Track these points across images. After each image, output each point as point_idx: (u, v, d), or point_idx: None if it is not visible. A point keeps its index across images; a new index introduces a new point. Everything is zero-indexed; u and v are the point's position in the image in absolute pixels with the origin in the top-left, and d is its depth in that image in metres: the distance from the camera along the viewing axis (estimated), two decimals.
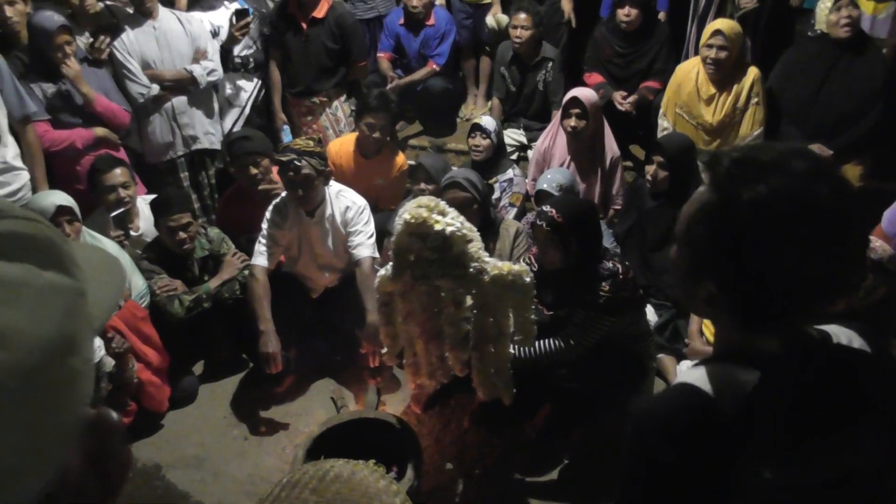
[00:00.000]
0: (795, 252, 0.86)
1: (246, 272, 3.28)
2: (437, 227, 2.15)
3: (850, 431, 0.92)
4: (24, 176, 3.25)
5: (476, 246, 2.22)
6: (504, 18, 4.67)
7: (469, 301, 2.32)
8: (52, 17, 3.48)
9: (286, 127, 4.42)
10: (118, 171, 3.32)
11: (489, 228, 3.19)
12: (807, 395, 0.90)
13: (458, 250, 2.19)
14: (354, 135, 3.97)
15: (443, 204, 2.26)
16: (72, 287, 0.53)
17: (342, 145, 3.98)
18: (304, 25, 4.24)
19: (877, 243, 2.15)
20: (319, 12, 4.22)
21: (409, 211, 2.21)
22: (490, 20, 4.72)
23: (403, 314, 2.43)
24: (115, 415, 0.58)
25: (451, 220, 2.18)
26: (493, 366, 2.41)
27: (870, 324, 2.01)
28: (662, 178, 3.26)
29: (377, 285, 2.45)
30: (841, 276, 0.89)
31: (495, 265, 2.22)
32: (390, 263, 2.34)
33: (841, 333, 0.99)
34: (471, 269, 2.20)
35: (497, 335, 2.34)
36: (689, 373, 0.98)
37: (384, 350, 2.63)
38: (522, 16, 4.24)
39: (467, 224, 2.24)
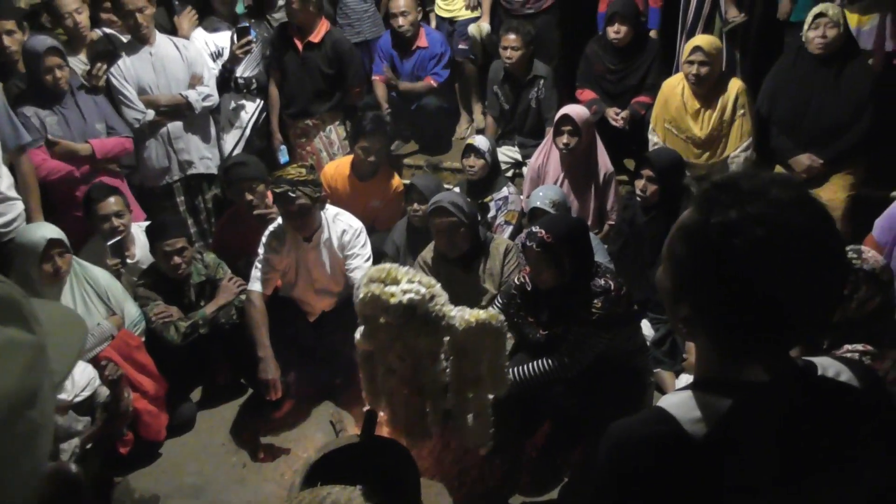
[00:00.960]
0: (767, 279, 0.85)
1: (242, 297, 3.28)
2: (393, 300, 2.10)
3: (826, 469, 0.90)
4: (19, 206, 3.28)
5: (440, 301, 2.18)
6: (486, 28, 4.67)
7: (447, 351, 2.29)
8: (44, 40, 3.53)
9: (283, 147, 4.44)
10: (112, 199, 3.34)
11: (479, 248, 3.19)
12: (781, 428, 0.89)
13: (423, 311, 2.15)
14: (350, 158, 3.99)
15: (395, 270, 2.19)
16: (32, 342, 0.54)
17: (337, 168, 4.01)
18: (301, 49, 4.28)
19: (868, 254, 2.15)
20: (315, 36, 4.25)
21: (361, 289, 2.17)
22: (472, 29, 4.72)
23: (383, 370, 2.42)
24: (74, 468, 0.58)
25: (406, 286, 2.12)
26: (471, 412, 2.38)
27: (864, 334, 2.02)
28: (652, 192, 3.28)
29: (356, 342, 2.44)
30: (815, 307, 0.88)
31: (462, 318, 2.18)
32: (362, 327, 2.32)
33: (829, 366, 0.97)
34: (441, 325, 2.18)
35: (474, 380, 2.32)
36: (668, 397, 0.98)
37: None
38: (512, 36, 4.26)
39: (425, 280, 2.19)
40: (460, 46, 4.80)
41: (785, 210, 0.86)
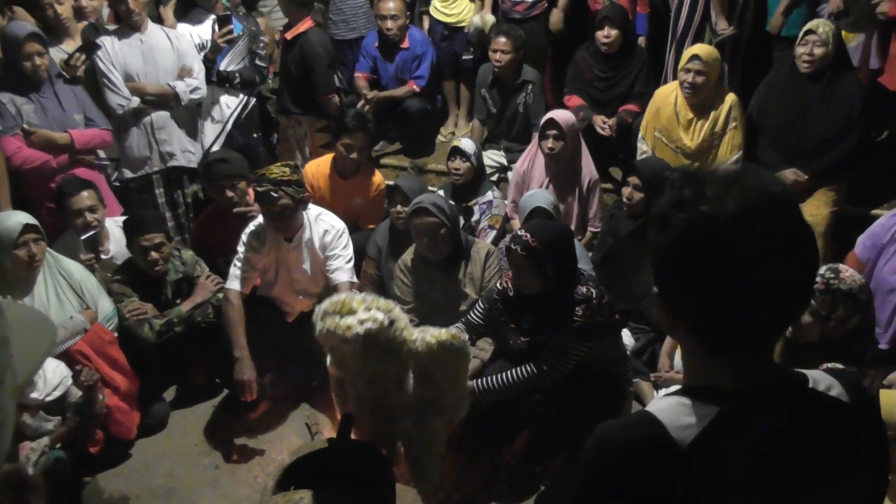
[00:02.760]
0: (729, 262, 0.85)
1: (220, 295, 3.23)
2: (350, 333, 2.07)
3: (810, 481, 0.89)
4: None
5: (400, 325, 2.16)
6: (490, 19, 4.64)
7: (410, 375, 2.27)
8: (25, 26, 3.46)
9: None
10: (85, 193, 3.27)
11: (461, 252, 3.17)
12: (766, 438, 0.89)
13: (384, 339, 2.13)
14: (331, 156, 3.95)
15: (350, 300, 2.16)
16: None
17: (319, 167, 3.96)
18: (280, 46, 4.24)
19: (846, 273, 2.15)
20: (290, 34, 4.21)
21: (317, 323, 2.15)
22: (476, 20, 4.70)
23: (353, 395, 2.39)
24: (31, 469, 0.55)
25: (363, 316, 2.09)
26: (424, 439, 2.35)
27: (844, 353, 2.02)
28: (639, 200, 3.28)
29: (328, 368, 2.39)
30: (781, 296, 0.88)
31: (424, 340, 2.16)
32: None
33: (821, 380, 0.97)
34: (405, 349, 2.15)
35: (433, 402, 2.29)
36: (657, 401, 0.97)
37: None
38: (502, 39, 4.24)
39: (383, 304, 2.16)
40: (464, 57, 4.79)
41: (748, 193, 0.85)
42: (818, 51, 3.47)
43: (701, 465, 0.88)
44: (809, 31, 3.50)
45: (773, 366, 0.96)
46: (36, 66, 3.43)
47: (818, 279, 2.10)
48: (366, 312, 2.11)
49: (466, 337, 2.25)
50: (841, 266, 2.23)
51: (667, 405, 0.94)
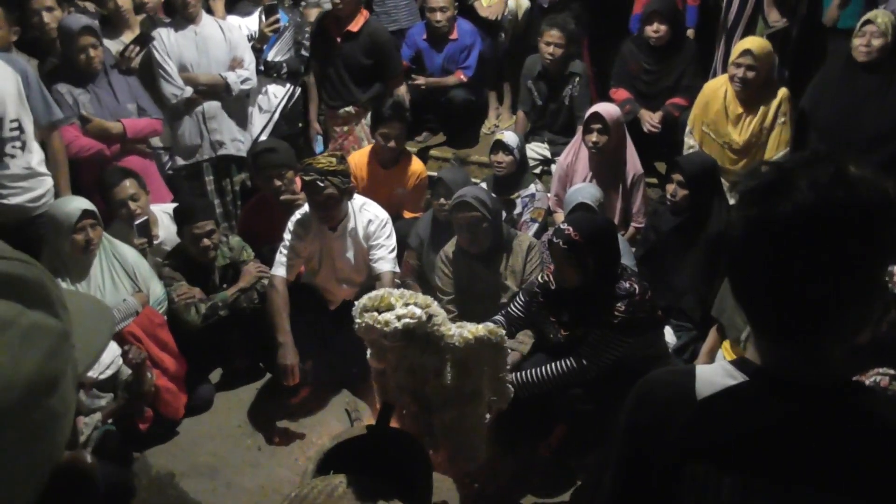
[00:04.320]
0: (830, 259, 0.86)
1: (264, 281, 3.30)
2: (388, 328, 2.11)
3: (815, 478, 0.89)
4: (48, 182, 3.32)
5: (438, 321, 2.18)
6: (525, 3, 4.61)
7: (449, 367, 2.29)
8: (79, 19, 3.57)
9: (319, 137, 4.46)
10: (127, 182, 3.37)
11: (502, 245, 3.17)
12: (760, 418, 0.93)
13: (422, 333, 2.15)
14: (371, 146, 3.99)
15: (388, 296, 2.19)
16: (57, 328, 0.54)
17: (361, 157, 4.01)
18: (339, 39, 4.28)
19: None
20: (354, 26, 4.25)
21: (356, 319, 2.19)
22: (511, 3, 4.67)
23: (393, 385, 2.43)
24: (89, 459, 0.58)
25: (401, 311, 2.12)
26: (468, 427, 2.37)
27: (894, 357, 1.96)
28: (682, 197, 3.23)
29: (368, 359, 2.44)
30: (876, 289, 0.89)
31: (461, 335, 2.18)
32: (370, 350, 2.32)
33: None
34: (442, 344, 2.17)
35: (473, 394, 2.31)
36: (708, 366, 1.02)
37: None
38: (555, 32, 4.19)
39: (421, 300, 2.20)
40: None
41: (832, 188, 0.85)
42: (876, 41, 3.37)
43: (703, 419, 0.95)
44: (868, 22, 3.40)
45: (825, 364, 0.93)
46: (90, 59, 3.55)
47: None
48: (404, 308, 2.15)
49: (504, 332, 2.26)
50: (895, 269, 2.17)
51: (712, 366, 1.01)
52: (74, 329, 0.56)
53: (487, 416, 2.42)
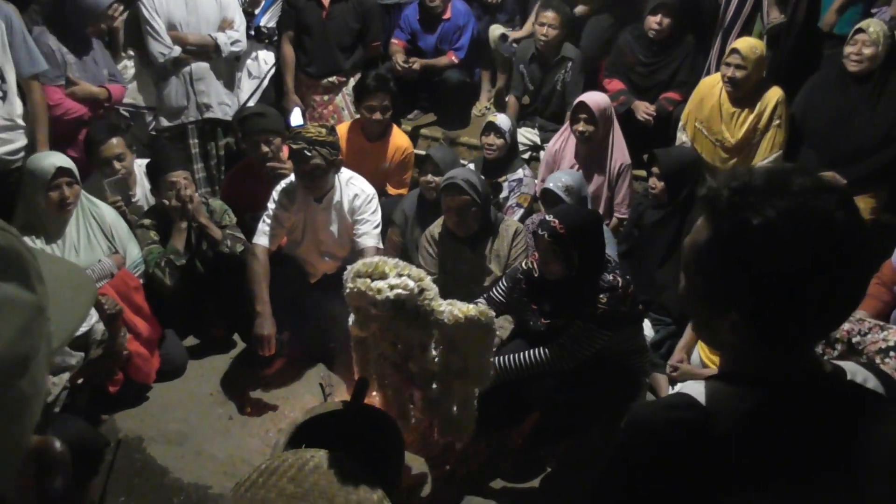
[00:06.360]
0: (810, 268, 0.86)
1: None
2: (380, 296, 2.08)
3: (843, 474, 0.90)
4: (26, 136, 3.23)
5: (429, 295, 2.16)
6: None
7: (434, 341, 2.28)
8: None
9: (297, 109, 4.37)
10: (114, 141, 3.29)
11: (488, 228, 3.16)
12: (803, 427, 0.90)
13: (412, 305, 2.13)
14: (357, 119, 3.93)
15: (383, 264, 2.16)
16: (31, 302, 0.50)
17: (343, 129, 3.94)
18: (327, 3, 4.19)
19: None
20: None
21: (347, 283, 2.15)
22: None
23: (374, 356, 2.40)
24: (59, 444, 0.54)
25: (394, 281, 2.10)
26: (456, 402, 2.36)
27: None
28: (661, 190, 3.25)
29: (349, 328, 2.41)
30: (855, 291, 0.90)
31: (451, 313, 2.16)
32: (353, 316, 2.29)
33: (857, 372, 0.98)
34: (431, 319, 2.15)
35: (460, 372, 2.30)
36: (691, 385, 0.98)
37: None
38: (550, 14, 4.15)
39: (414, 272, 2.17)
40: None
41: (813, 197, 0.86)
42: (867, 50, 3.38)
43: (739, 451, 0.88)
44: (859, 30, 3.41)
45: (815, 358, 0.97)
46: (102, 31, 3.49)
47: None
48: (397, 278, 2.12)
49: (494, 314, 2.24)
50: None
51: (707, 389, 0.94)
52: (51, 301, 0.53)
53: (476, 391, 2.41)
